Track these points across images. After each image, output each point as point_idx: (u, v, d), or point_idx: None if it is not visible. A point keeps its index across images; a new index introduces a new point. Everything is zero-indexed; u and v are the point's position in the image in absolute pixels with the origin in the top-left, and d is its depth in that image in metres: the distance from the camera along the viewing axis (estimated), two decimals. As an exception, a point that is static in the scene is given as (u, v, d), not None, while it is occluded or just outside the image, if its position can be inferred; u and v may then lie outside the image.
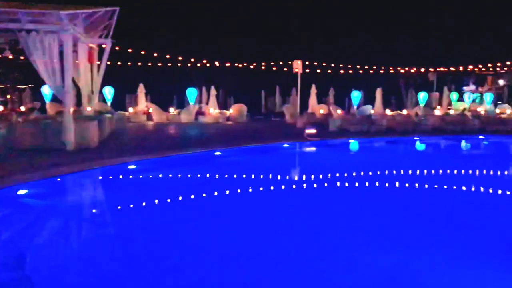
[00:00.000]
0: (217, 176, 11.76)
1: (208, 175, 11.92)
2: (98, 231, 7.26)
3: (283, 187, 10.88)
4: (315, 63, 30.74)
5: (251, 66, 32.85)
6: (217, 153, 14.82)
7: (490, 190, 10.55)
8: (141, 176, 11.60)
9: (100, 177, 11.32)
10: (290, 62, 27.35)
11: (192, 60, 33.68)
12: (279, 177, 11.72)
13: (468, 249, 6.44)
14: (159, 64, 34.27)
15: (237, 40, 44.21)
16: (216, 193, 9.92)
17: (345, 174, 12.19)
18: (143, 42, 32.45)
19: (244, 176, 11.80)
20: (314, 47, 45.22)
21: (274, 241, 6.64)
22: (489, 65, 35.99)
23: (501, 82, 39.22)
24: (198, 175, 11.92)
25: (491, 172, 13.16)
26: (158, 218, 7.92)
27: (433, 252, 6.29)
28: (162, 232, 7.07)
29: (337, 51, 43.06)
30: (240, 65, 32.94)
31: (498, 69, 36.23)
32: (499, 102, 34.17)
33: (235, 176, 11.85)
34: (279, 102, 34.46)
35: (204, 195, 9.74)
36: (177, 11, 43.88)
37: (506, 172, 13.77)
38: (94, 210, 8.81)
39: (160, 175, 11.82)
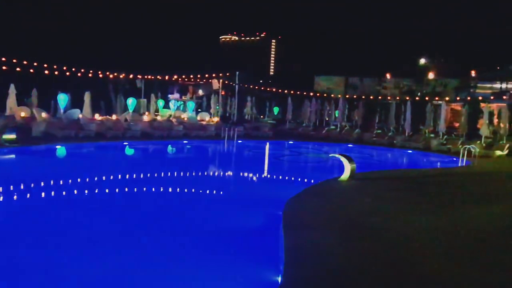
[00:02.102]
0: None
1: None
2: None
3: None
4: (14, 61, 27.33)
5: None
6: None
7: (193, 190, 11.53)
8: None
9: None
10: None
11: None
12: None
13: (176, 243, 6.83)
14: None
15: None
16: None
17: (52, 182, 11.22)
18: None
19: None
20: (14, 43, 40.40)
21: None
22: (191, 76, 39.71)
23: (200, 92, 43.97)
24: None
25: (194, 173, 14.47)
26: None
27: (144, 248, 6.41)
28: None
29: (42, 50, 39.78)
30: None
31: (198, 80, 40.35)
32: (199, 110, 38.01)
33: None
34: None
35: None
36: None
37: (206, 173, 15.38)
38: None
39: None
